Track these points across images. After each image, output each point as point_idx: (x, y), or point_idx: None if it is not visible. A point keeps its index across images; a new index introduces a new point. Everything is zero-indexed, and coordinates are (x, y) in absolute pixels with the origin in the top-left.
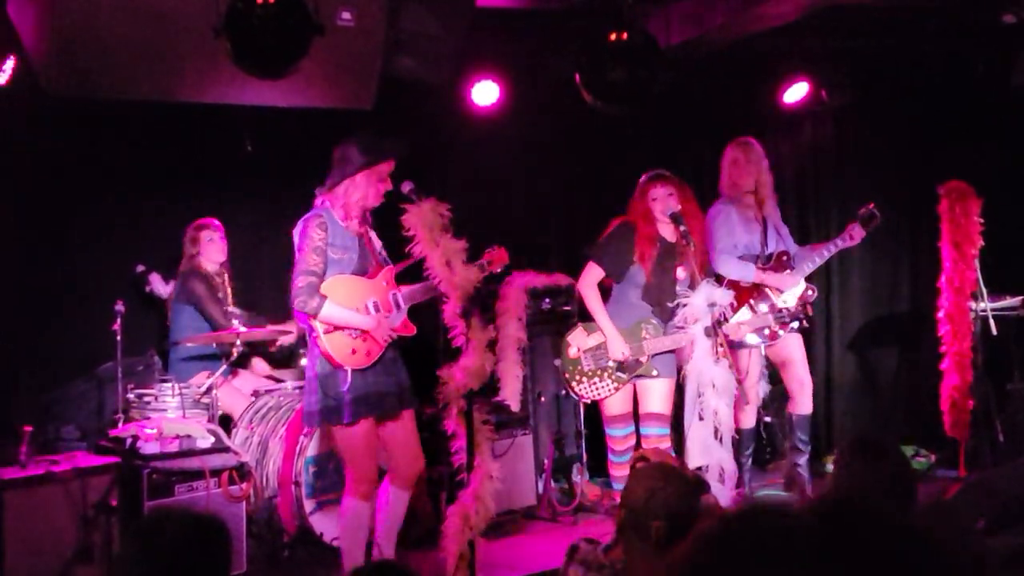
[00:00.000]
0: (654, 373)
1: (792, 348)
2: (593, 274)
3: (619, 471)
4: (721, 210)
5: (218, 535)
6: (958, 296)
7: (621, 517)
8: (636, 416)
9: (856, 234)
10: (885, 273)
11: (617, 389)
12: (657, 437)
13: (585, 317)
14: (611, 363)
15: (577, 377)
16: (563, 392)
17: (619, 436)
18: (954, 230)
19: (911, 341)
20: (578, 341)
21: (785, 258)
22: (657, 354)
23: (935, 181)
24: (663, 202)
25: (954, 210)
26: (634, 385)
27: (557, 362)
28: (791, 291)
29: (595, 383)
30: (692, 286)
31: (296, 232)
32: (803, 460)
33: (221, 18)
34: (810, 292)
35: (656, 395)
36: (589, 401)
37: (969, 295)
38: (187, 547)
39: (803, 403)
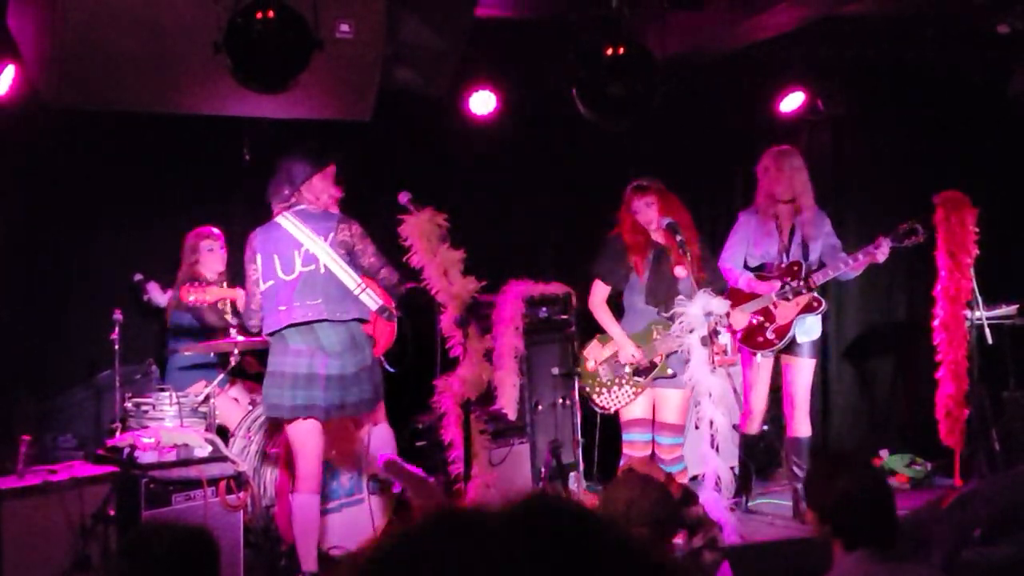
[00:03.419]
0: (669, 372)
1: (796, 369)
2: (599, 291)
3: None
4: (740, 220)
5: (206, 549)
6: (953, 305)
7: None
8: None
9: (880, 252)
10: (880, 282)
11: (636, 395)
12: (669, 447)
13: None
14: (627, 370)
15: (597, 389)
16: (560, 400)
17: (639, 442)
18: (949, 239)
19: (907, 350)
20: (594, 354)
21: (796, 268)
22: (672, 354)
23: (931, 191)
24: (644, 213)
25: (950, 220)
26: (653, 394)
27: (555, 371)
28: (791, 303)
29: (614, 392)
30: (691, 294)
31: (360, 232)
32: (800, 485)
33: (221, 33)
34: (815, 304)
35: (671, 405)
36: (612, 411)
37: (964, 304)
38: (174, 563)
39: (795, 426)
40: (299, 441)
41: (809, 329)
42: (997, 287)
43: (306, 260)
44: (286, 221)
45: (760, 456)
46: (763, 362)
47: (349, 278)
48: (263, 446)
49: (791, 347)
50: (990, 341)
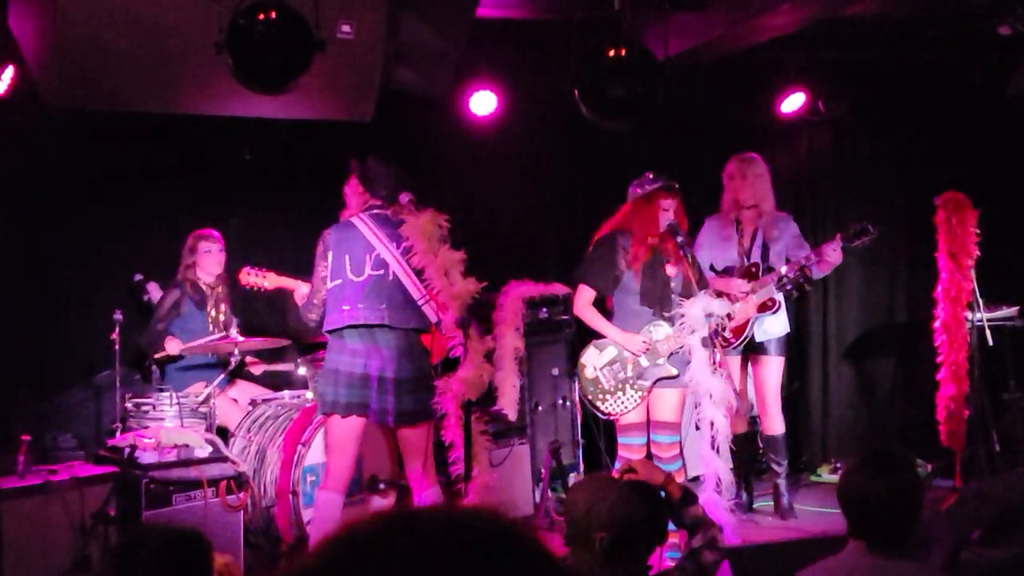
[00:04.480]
0: (675, 372)
1: (764, 368)
2: (585, 295)
3: None
4: (704, 224)
5: (195, 552)
6: (954, 306)
7: (566, 530)
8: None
9: (832, 254)
10: (882, 283)
11: (643, 399)
12: (668, 445)
13: (587, 340)
14: (631, 374)
15: (600, 396)
16: (560, 401)
17: (635, 445)
18: (950, 241)
19: (907, 351)
20: (592, 361)
21: (754, 269)
22: (672, 354)
23: (932, 192)
24: (670, 215)
25: (950, 221)
26: (649, 395)
27: (555, 371)
28: (747, 303)
29: (619, 397)
30: (688, 294)
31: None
32: (780, 480)
33: (223, 34)
34: (770, 304)
35: (668, 404)
36: (617, 417)
37: (965, 305)
38: (167, 565)
39: (768, 424)
40: (338, 438)
41: (769, 328)
42: (998, 288)
43: (376, 264)
44: (362, 224)
45: (759, 458)
46: (730, 361)
47: (415, 288)
48: (263, 446)
49: (757, 346)
50: (991, 342)
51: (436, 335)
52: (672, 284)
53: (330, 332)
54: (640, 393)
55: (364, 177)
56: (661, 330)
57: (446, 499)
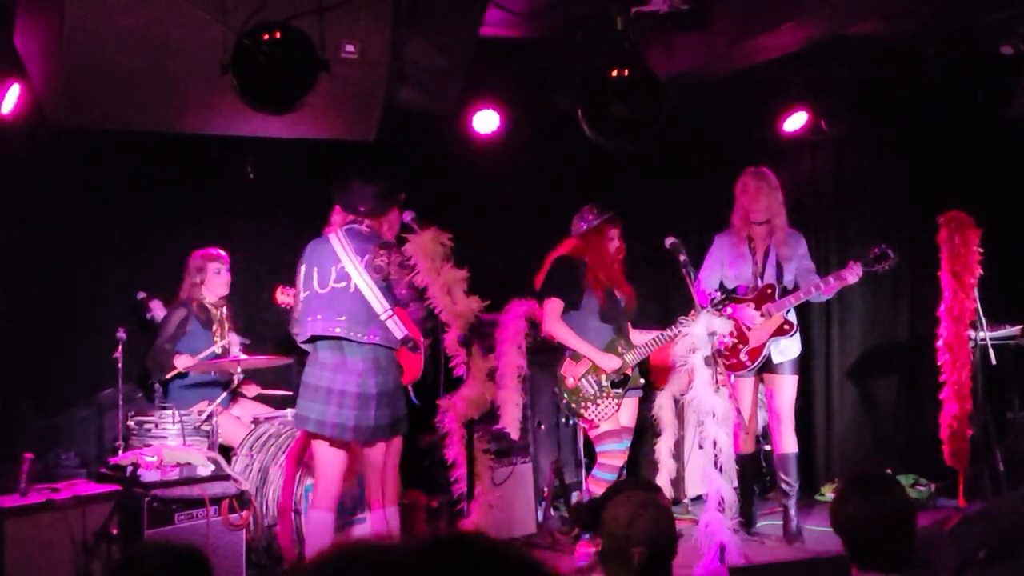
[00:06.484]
0: (642, 382)
1: (779, 387)
2: (556, 309)
3: (598, 488)
4: (714, 242)
5: (195, 569)
6: (957, 325)
7: (602, 545)
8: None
9: (851, 274)
10: (884, 302)
11: (619, 406)
12: (625, 451)
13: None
14: (605, 383)
15: (583, 404)
16: (563, 420)
17: (616, 451)
18: (953, 259)
19: (910, 370)
20: (571, 371)
21: (770, 291)
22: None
23: (934, 211)
24: (616, 243)
25: (953, 240)
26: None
27: (557, 390)
28: (763, 326)
29: (599, 405)
30: (630, 316)
31: (398, 262)
32: (790, 502)
33: (228, 55)
34: (787, 327)
35: (631, 411)
36: (597, 424)
37: (968, 324)
38: None
39: (780, 442)
40: (323, 457)
41: (785, 350)
42: (1001, 307)
43: (339, 277)
44: (335, 238)
45: (762, 477)
46: (742, 382)
47: (378, 302)
48: (265, 464)
49: (772, 366)
50: (994, 361)
51: (405, 354)
52: (622, 305)
53: (305, 344)
54: (616, 401)
55: (338, 196)
56: (625, 343)
57: (401, 525)
